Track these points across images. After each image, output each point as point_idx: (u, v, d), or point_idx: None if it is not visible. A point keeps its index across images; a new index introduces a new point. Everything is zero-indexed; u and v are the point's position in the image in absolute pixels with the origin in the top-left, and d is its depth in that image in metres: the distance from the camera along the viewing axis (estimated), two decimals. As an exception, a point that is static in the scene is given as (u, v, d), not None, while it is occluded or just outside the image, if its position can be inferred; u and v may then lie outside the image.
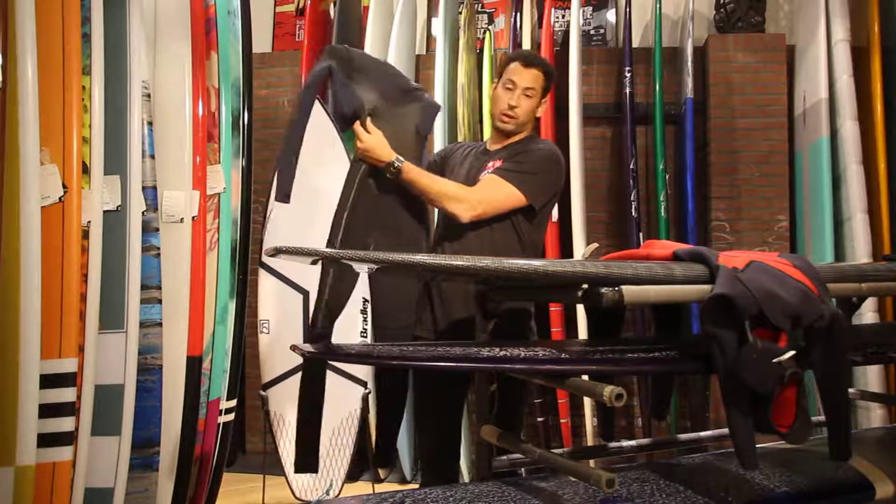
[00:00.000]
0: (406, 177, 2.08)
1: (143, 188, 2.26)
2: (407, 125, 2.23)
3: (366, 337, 2.85)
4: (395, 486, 3.34)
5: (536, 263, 1.42)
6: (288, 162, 2.21)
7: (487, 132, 3.42)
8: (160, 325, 2.29)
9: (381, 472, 3.36)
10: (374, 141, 2.09)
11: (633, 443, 1.87)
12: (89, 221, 2.04)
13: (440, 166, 2.31)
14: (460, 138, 3.39)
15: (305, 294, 2.89)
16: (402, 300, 2.17)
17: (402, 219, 2.16)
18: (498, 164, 2.16)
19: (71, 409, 1.93)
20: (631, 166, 3.50)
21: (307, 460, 1.69)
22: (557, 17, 3.90)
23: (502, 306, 1.74)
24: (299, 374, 2.99)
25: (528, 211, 2.14)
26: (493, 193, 2.10)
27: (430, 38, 4.02)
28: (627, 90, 3.58)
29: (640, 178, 3.56)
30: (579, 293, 1.40)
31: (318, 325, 1.75)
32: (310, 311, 2.91)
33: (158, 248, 2.30)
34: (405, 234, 2.16)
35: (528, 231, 2.16)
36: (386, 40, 3.54)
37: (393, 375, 2.18)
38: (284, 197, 2.17)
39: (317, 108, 2.52)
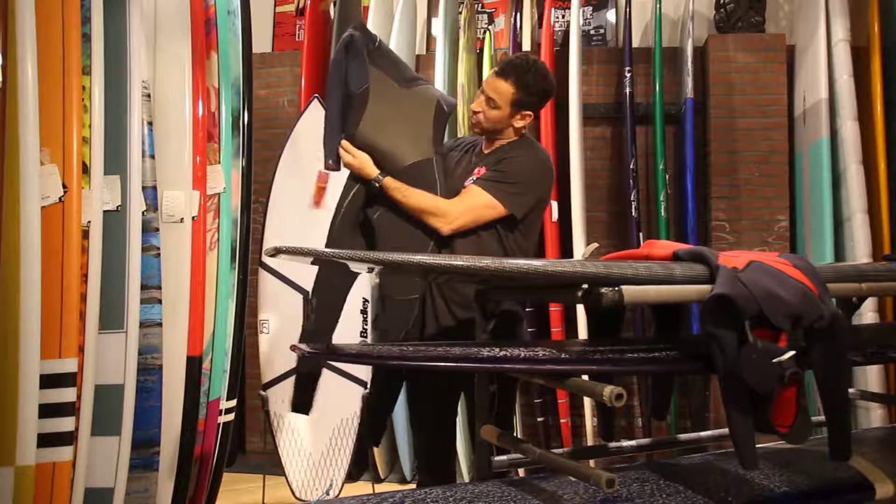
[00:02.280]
0: (388, 192, 2.13)
1: (143, 188, 2.26)
2: (428, 101, 2.26)
3: (365, 337, 2.86)
4: (395, 486, 3.34)
5: (536, 263, 1.42)
6: (334, 128, 2.22)
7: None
8: (160, 325, 2.29)
9: (380, 468, 3.36)
10: (357, 161, 2.15)
11: (633, 443, 1.86)
12: (89, 221, 2.04)
13: (443, 160, 2.29)
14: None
15: (305, 294, 2.90)
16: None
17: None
18: (483, 171, 2.18)
19: (71, 409, 1.93)
20: (631, 166, 3.50)
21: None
22: (557, 17, 3.90)
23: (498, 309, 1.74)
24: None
25: (510, 220, 2.15)
26: (472, 205, 2.13)
27: (430, 38, 4.02)
28: (627, 90, 3.58)
29: (640, 178, 3.56)
30: (579, 293, 1.40)
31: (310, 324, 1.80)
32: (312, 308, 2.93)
33: (158, 248, 2.30)
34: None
35: (511, 239, 2.17)
36: (386, 40, 3.53)
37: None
38: (334, 164, 2.21)
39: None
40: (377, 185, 2.14)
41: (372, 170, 2.15)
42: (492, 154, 2.23)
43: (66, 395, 1.92)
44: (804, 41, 3.53)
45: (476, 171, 2.20)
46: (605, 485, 1.23)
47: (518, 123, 2.21)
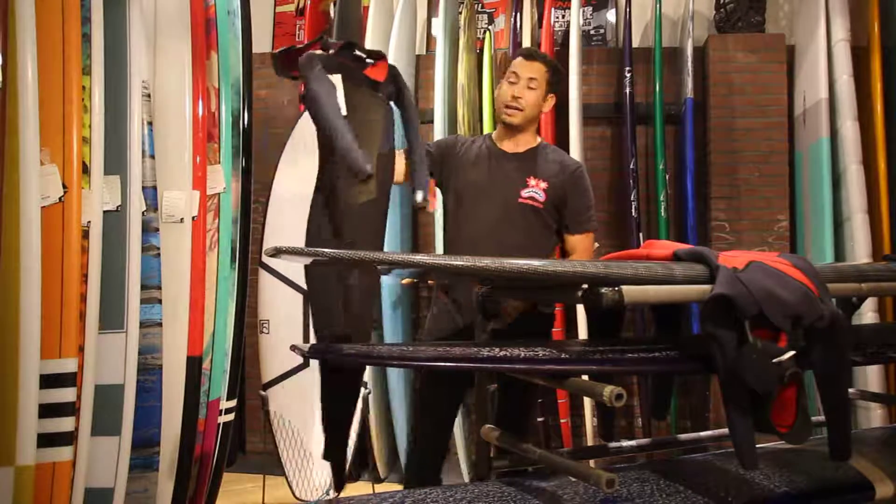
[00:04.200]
0: None
1: (143, 188, 2.26)
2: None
3: (366, 337, 2.85)
4: (396, 486, 3.34)
5: (536, 263, 1.42)
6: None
7: (488, 130, 3.42)
8: (160, 325, 2.29)
9: (380, 468, 3.36)
10: None
11: (633, 443, 1.86)
12: (89, 221, 2.04)
13: (438, 161, 2.25)
14: (460, 138, 3.39)
15: (306, 294, 2.89)
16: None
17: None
18: (542, 185, 2.17)
19: (71, 409, 1.93)
20: (631, 166, 3.50)
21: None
22: (557, 17, 3.90)
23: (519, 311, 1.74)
24: (299, 374, 3.00)
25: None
26: (589, 249, 2.23)
27: (430, 38, 4.02)
28: (627, 90, 3.58)
29: (640, 178, 3.56)
30: (579, 293, 1.39)
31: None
32: (310, 312, 2.92)
33: (158, 248, 2.30)
34: None
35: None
36: (386, 40, 3.54)
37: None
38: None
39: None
40: None
41: None
42: (527, 155, 2.22)
43: (66, 395, 1.92)
44: (804, 41, 3.53)
45: (532, 182, 2.18)
46: (605, 485, 1.23)
47: (545, 108, 2.25)
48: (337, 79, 2.00)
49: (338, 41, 2.05)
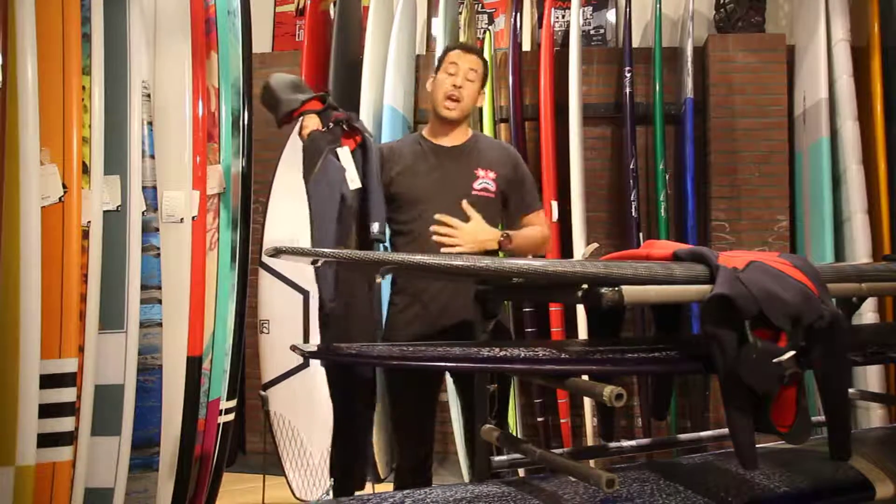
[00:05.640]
0: (514, 245, 2.11)
1: (143, 188, 2.26)
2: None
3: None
4: (395, 486, 3.33)
5: (536, 263, 1.42)
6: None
7: (488, 130, 3.42)
8: (160, 325, 2.29)
9: (382, 472, 3.36)
10: (478, 228, 2.06)
11: (633, 443, 1.86)
12: (89, 221, 2.04)
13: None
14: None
15: (306, 294, 2.89)
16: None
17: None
18: (491, 175, 2.15)
19: (71, 409, 1.93)
20: (631, 166, 3.50)
21: None
22: (557, 17, 3.90)
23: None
24: (299, 374, 3.01)
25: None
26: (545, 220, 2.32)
27: (430, 38, 4.02)
28: (627, 90, 3.58)
29: (640, 178, 3.56)
30: (579, 293, 1.39)
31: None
32: (310, 312, 2.92)
33: (158, 248, 2.30)
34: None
35: None
36: (386, 40, 3.54)
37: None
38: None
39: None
40: (504, 239, 2.08)
41: (492, 233, 2.08)
42: (466, 148, 2.19)
43: (66, 395, 1.92)
44: (804, 41, 3.53)
45: (481, 173, 2.15)
46: (605, 485, 1.23)
47: (479, 102, 2.25)
48: (346, 150, 2.07)
49: (338, 112, 2.10)
